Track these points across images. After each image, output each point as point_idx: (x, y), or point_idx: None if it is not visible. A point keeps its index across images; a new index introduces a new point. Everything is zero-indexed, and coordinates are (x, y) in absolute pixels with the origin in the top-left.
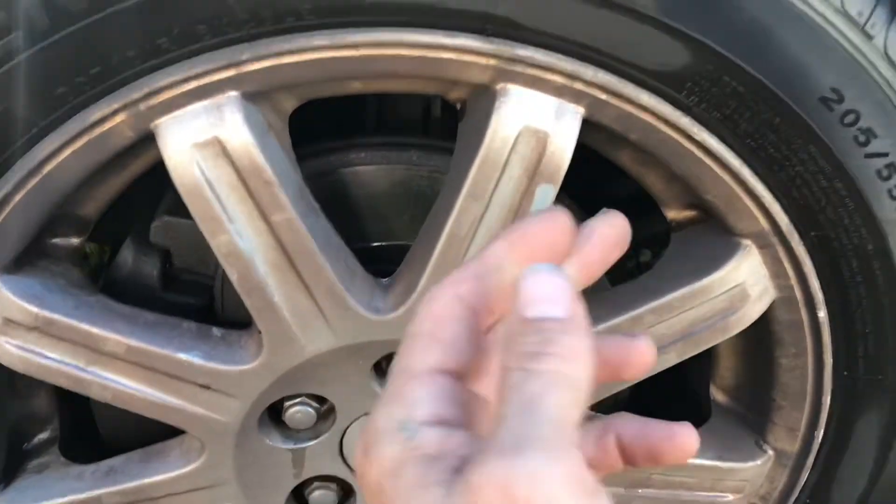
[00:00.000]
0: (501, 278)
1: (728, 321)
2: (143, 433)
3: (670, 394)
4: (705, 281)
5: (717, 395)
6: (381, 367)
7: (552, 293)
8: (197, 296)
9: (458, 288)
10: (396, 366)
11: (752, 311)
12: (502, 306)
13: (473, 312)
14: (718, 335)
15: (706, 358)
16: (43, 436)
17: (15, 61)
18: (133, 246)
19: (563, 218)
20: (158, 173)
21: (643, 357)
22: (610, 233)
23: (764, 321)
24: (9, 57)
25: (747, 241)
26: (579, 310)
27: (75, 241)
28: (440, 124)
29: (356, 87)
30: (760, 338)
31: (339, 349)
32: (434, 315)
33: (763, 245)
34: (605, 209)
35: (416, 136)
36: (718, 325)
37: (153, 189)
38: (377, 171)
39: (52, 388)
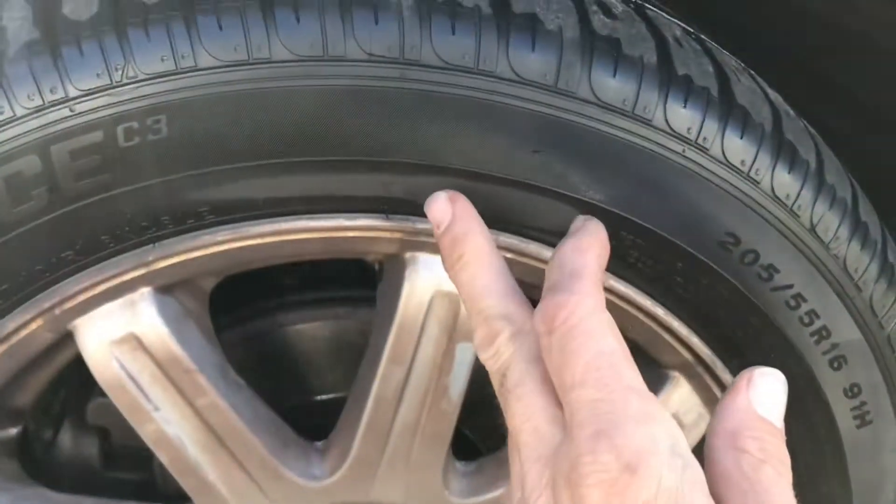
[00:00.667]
0: None
1: None
2: None
3: None
4: None
5: None
6: None
7: (780, 403)
8: (138, 471)
9: None
10: (616, 383)
11: (689, 439)
12: None
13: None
14: None
15: None
16: None
17: None
18: (71, 428)
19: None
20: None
21: None
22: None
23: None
24: None
25: (674, 373)
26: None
27: (11, 431)
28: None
29: (274, 261)
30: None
31: None
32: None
33: (690, 375)
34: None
35: (344, 290)
36: None
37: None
38: (311, 327)
39: None
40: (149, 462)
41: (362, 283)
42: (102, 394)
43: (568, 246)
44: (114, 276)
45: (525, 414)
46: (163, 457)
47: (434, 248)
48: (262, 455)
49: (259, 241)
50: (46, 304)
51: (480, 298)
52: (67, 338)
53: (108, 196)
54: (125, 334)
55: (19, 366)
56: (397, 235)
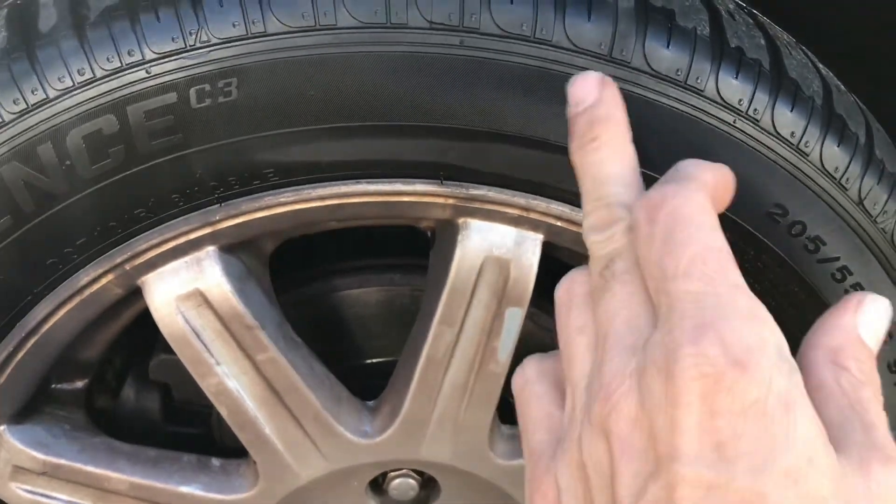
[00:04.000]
0: None
1: None
2: None
3: None
4: None
5: None
6: (378, 484)
7: (882, 332)
8: (197, 426)
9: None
10: (724, 279)
11: None
12: None
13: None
14: None
15: None
16: None
17: (8, 240)
18: (134, 383)
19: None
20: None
21: None
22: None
23: None
24: (3, 236)
25: None
26: None
27: (79, 384)
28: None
29: (332, 225)
30: None
31: (332, 473)
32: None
33: None
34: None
35: (397, 257)
36: None
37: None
38: (364, 293)
39: None
40: (207, 417)
41: (412, 251)
42: (164, 351)
43: (690, 160)
44: (182, 234)
45: (624, 300)
46: (222, 410)
47: (486, 215)
48: (316, 411)
49: (319, 203)
50: (118, 260)
51: (606, 183)
52: (135, 294)
53: (180, 156)
54: (191, 290)
55: (89, 320)
56: (451, 201)
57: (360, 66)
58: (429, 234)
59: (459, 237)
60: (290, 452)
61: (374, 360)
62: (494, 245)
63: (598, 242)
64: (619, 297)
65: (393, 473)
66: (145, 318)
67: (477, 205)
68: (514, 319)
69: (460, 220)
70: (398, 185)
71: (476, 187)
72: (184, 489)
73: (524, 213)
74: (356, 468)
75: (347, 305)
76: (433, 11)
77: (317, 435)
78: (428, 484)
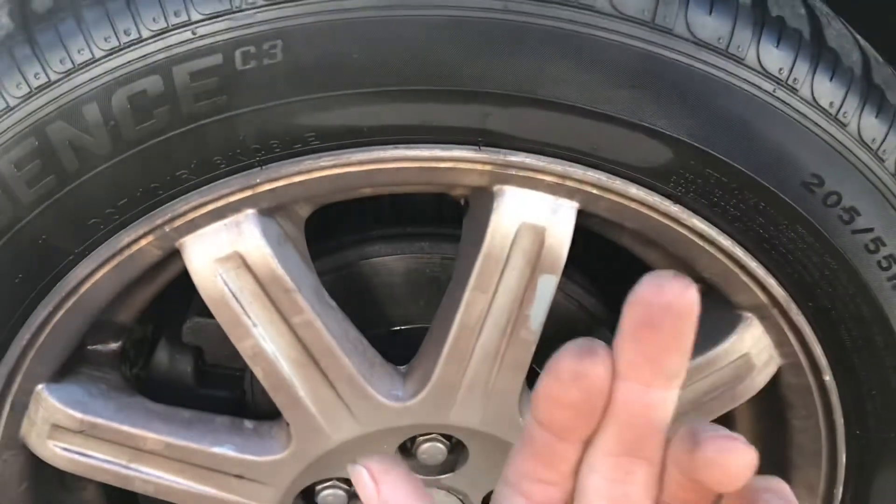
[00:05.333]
0: (536, 447)
1: (736, 390)
2: None
3: None
4: (712, 352)
5: None
6: (407, 449)
7: None
8: (229, 389)
9: (506, 472)
10: None
11: (759, 379)
12: (555, 475)
13: (525, 492)
14: (728, 403)
15: (723, 422)
16: None
17: (51, 199)
18: (167, 346)
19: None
20: (186, 279)
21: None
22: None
23: (774, 385)
24: (47, 196)
25: (748, 314)
26: None
27: (113, 346)
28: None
29: (366, 192)
30: (772, 401)
31: (364, 436)
32: None
33: (763, 316)
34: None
35: (427, 226)
36: (727, 395)
37: (182, 293)
38: (391, 261)
39: (98, 483)
40: (239, 381)
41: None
42: (198, 314)
43: None
44: (222, 197)
45: None
46: (258, 372)
47: (522, 182)
48: (350, 373)
49: (358, 168)
50: (158, 221)
51: None
52: (172, 256)
53: (224, 118)
54: (230, 253)
55: (127, 282)
56: (487, 168)
57: (403, 30)
58: (461, 202)
59: (495, 204)
60: (323, 415)
61: (403, 327)
62: (530, 212)
63: None
64: None
65: (422, 438)
66: (179, 281)
67: (513, 171)
68: (548, 286)
69: (496, 188)
70: (436, 151)
71: (513, 154)
72: (217, 450)
73: (560, 181)
74: (387, 431)
75: (378, 273)
76: None
77: (349, 398)
78: (456, 448)
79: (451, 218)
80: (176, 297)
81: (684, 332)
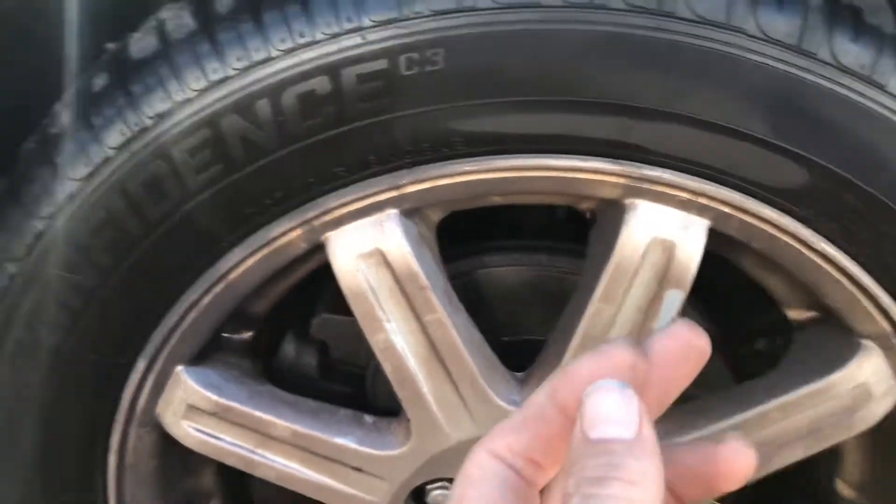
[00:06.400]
0: (544, 428)
1: (853, 418)
2: None
3: (795, 489)
4: (829, 379)
5: (843, 490)
6: None
7: (618, 412)
8: (350, 385)
9: (494, 444)
10: None
11: (877, 410)
12: (550, 458)
13: (514, 469)
14: (844, 432)
15: (832, 453)
16: None
17: (215, 188)
18: (294, 340)
19: (621, 353)
20: (315, 276)
21: (734, 464)
22: (671, 347)
23: (892, 417)
24: (212, 184)
25: (869, 342)
26: (648, 429)
27: (246, 335)
28: (564, 227)
29: (495, 200)
30: (889, 433)
31: (479, 437)
32: (466, 476)
33: (885, 346)
34: (674, 319)
35: (544, 240)
36: (844, 423)
37: (310, 289)
38: (510, 271)
39: (216, 467)
40: (360, 378)
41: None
42: (327, 310)
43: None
44: (370, 195)
45: None
46: (387, 366)
47: (655, 196)
48: (472, 375)
49: (498, 174)
50: (309, 215)
51: None
52: (313, 251)
53: (383, 119)
54: (372, 249)
55: (270, 272)
56: (623, 180)
57: (558, 43)
58: (587, 214)
59: (627, 217)
60: (444, 413)
61: (514, 338)
62: (661, 227)
63: None
64: None
65: None
66: (313, 276)
67: (648, 186)
68: (674, 301)
69: (628, 201)
70: (575, 161)
71: (651, 168)
72: (340, 440)
73: (693, 198)
74: None
75: (493, 283)
76: None
77: (470, 398)
78: None
79: (559, 232)
80: (305, 292)
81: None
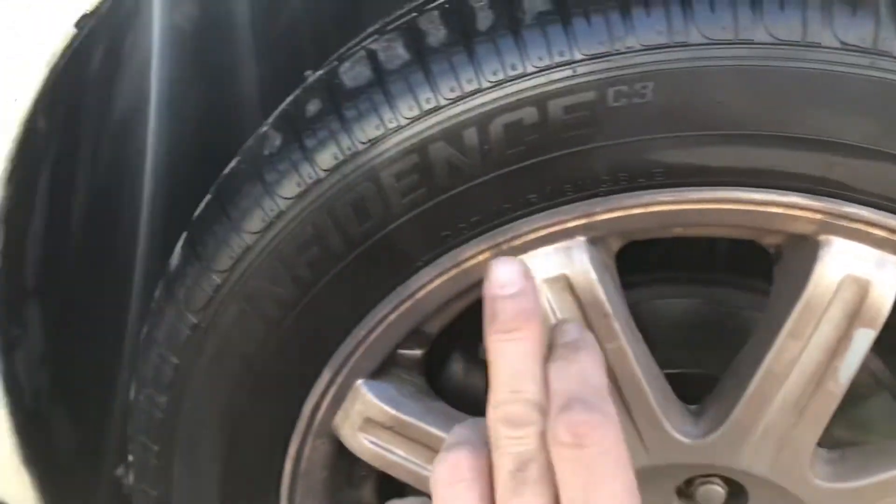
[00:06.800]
0: None
1: None
2: None
3: None
4: None
5: None
6: (683, 490)
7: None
8: None
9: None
10: None
11: None
12: None
13: None
14: None
15: None
16: None
17: (416, 211)
18: (462, 359)
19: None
20: None
21: None
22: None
23: None
24: (414, 207)
25: None
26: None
27: (418, 353)
28: (725, 261)
29: (677, 231)
30: None
31: (651, 468)
32: None
33: None
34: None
35: (714, 273)
36: None
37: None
38: (681, 304)
39: (376, 483)
40: None
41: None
42: None
43: (589, 357)
44: (561, 222)
45: None
46: None
47: (850, 233)
48: (649, 404)
49: (691, 206)
50: (499, 239)
51: (525, 378)
52: None
53: (585, 149)
54: (558, 275)
55: (454, 293)
56: (819, 216)
57: (770, 79)
58: (771, 249)
59: (820, 254)
60: None
61: (679, 371)
62: (856, 265)
63: (513, 438)
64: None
65: (701, 479)
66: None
67: (844, 223)
68: (864, 341)
69: (822, 237)
70: (773, 196)
71: (849, 205)
72: None
73: (890, 236)
74: (673, 467)
75: (663, 315)
76: (847, 34)
77: (644, 428)
78: (734, 495)
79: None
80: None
81: None
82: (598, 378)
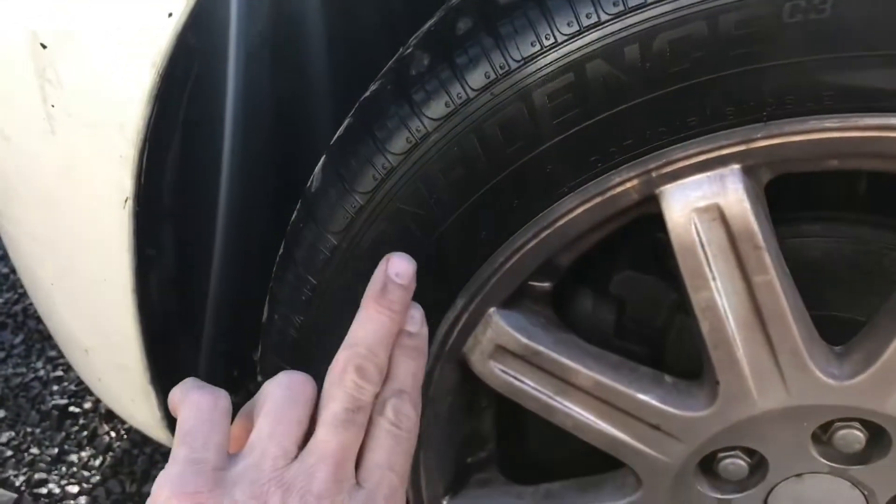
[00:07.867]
0: None
1: None
2: (571, 464)
3: None
4: None
5: None
6: (823, 432)
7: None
8: (642, 346)
9: None
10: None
11: None
12: None
13: None
14: None
15: None
16: (482, 454)
17: (567, 133)
18: (591, 294)
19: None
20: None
21: None
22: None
23: None
24: (565, 129)
25: None
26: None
27: (548, 285)
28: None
29: (831, 164)
30: None
31: (788, 409)
32: None
33: None
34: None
35: (860, 212)
36: None
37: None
38: (825, 243)
39: (493, 413)
40: (654, 339)
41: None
42: (628, 267)
43: (423, 360)
44: (717, 148)
45: (349, 445)
46: (704, 325)
47: None
48: (794, 343)
49: (857, 133)
50: (650, 166)
51: (379, 346)
52: (638, 205)
53: (752, 69)
54: (709, 204)
55: (595, 223)
56: None
57: None
58: None
59: None
60: (756, 380)
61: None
62: None
63: (356, 385)
64: (348, 440)
65: (839, 423)
66: (622, 232)
67: None
68: None
69: None
70: None
71: None
72: (641, 397)
73: None
74: (813, 408)
75: (806, 254)
76: None
77: (787, 367)
78: (874, 440)
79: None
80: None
81: None
82: (420, 379)
